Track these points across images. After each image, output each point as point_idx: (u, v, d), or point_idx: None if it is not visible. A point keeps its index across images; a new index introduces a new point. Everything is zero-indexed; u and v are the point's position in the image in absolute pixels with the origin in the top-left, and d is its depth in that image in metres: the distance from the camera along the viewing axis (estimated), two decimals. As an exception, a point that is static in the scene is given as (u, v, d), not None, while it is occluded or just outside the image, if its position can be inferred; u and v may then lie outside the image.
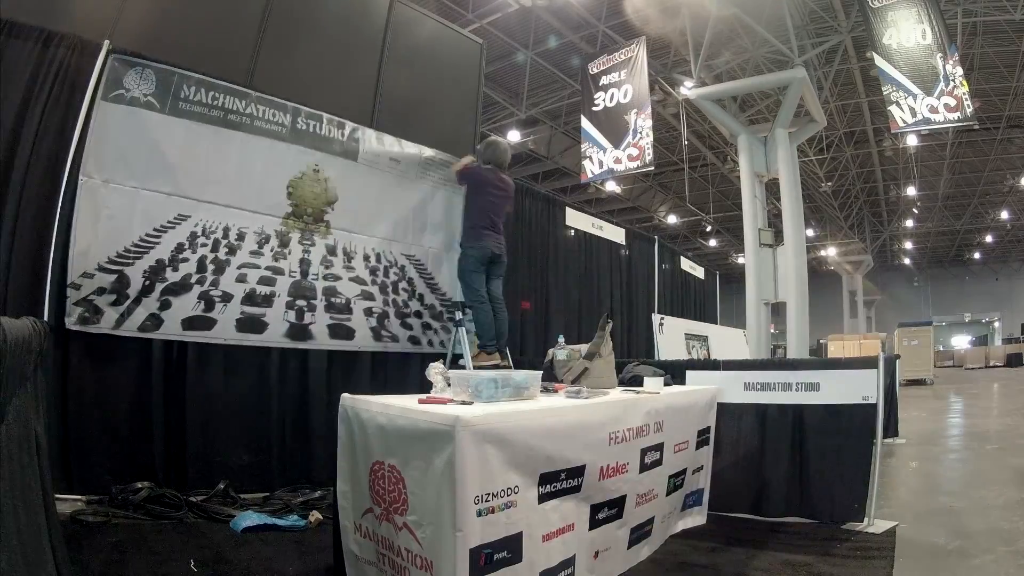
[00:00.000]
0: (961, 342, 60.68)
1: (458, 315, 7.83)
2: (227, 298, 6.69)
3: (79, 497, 5.64)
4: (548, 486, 3.86)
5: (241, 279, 6.79)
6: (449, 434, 3.32)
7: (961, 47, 18.88)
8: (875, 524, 6.00)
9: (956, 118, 14.95)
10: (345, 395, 4.28)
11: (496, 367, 7.36)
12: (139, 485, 5.82)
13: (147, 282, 6.16)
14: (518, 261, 10.68)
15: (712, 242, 49.38)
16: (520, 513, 3.61)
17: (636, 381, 6.03)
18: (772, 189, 21.88)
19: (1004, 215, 44.24)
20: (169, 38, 6.70)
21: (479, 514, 3.36)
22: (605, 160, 18.49)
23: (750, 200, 20.30)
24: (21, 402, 2.54)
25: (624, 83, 18.31)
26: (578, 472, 4.10)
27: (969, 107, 14.91)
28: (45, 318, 5.44)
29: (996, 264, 58.67)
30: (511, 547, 3.55)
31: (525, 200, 11.06)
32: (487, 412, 3.58)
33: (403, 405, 3.84)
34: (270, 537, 5.39)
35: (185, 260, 6.44)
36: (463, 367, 7.22)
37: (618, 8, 19.70)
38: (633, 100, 18.09)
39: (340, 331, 7.54)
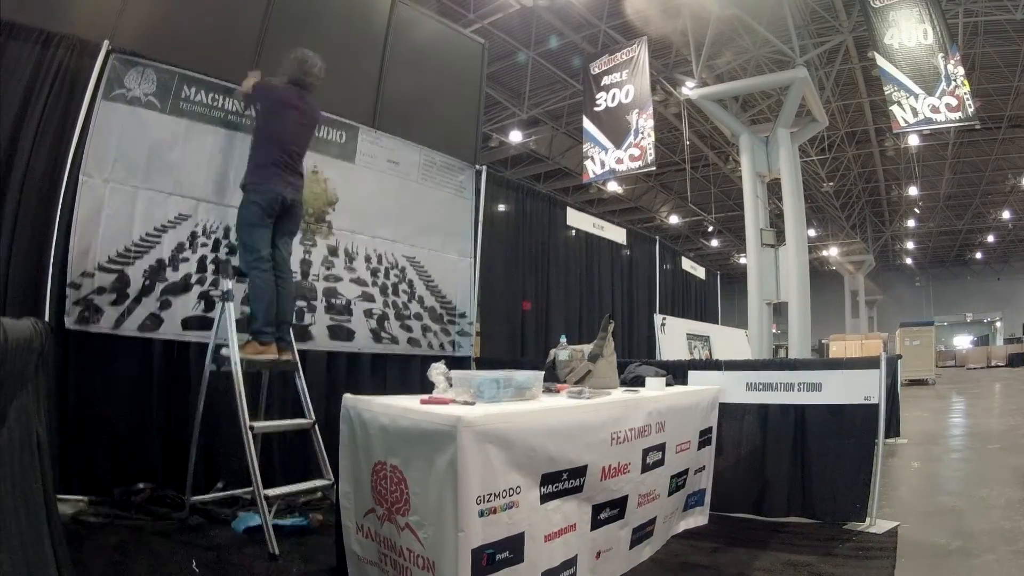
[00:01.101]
0: (963, 342, 60.73)
1: (226, 284, 5.94)
2: (227, 298, 6.69)
3: (81, 498, 5.64)
4: (550, 486, 3.86)
5: (241, 280, 6.78)
6: (451, 434, 3.32)
7: (962, 47, 18.89)
8: (877, 524, 6.00)
9: (957, 118, 14.96)
10: (347, 395, 4.28)
11: (275, 363, 6.11)
12: (140, 486, 5.82)
13: (147, 282, 6.15)
14: (519, 261, 10.69)
15: (714, 242, 49.41)
16: (522, 513, 3.61)
17: (638, 381, 6.02)
18: (774, 189, 21.89)
19: (1006, 215, 44.30)
20: (170, 39, 6.68)
21: (481, 514, 3.36)
22: (607, 160, 18.51)
23: (752, 200, 20.32)
24: (22, 403, 2.53)
25: (626, 83, 18.33)
26: (580, 472, 4.09)
27: (970, 107, 14.92)
28: (46, 318, 5.43)
29: (998, 264, 58.68)
30: (513, 547, 3.55)
31: (526, 200, 11.07)
32: (489, 412, 3.58)
33: (405, 405, 3.84)
34: (272, 538, 5.39)
35: (185, 260, 6.43)
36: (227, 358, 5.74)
37: (619, 8, 19.69)
38: (635, 100, 18.10)
39: (340, 332, 7.54)
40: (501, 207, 10.40)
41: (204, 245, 6.57)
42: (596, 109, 18.96)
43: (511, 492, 3.54)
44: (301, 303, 7.22)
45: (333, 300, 7.51)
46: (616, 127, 18.35)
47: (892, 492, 7.34)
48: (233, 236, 6.74)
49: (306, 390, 6.02)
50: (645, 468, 4.90)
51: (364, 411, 4.05)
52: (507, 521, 3.53)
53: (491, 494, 3.44)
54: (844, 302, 52.17)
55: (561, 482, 3.95)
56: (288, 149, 6.28)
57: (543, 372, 4.70)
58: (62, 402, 5.62)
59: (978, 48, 23.30)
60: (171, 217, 6.34)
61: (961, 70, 14.99)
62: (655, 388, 5.70)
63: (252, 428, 5.50)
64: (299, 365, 6.29)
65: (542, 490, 3.80)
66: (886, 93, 15.90)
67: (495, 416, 3.57)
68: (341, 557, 4.27)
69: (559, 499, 3.95)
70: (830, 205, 39.67)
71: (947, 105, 14.91)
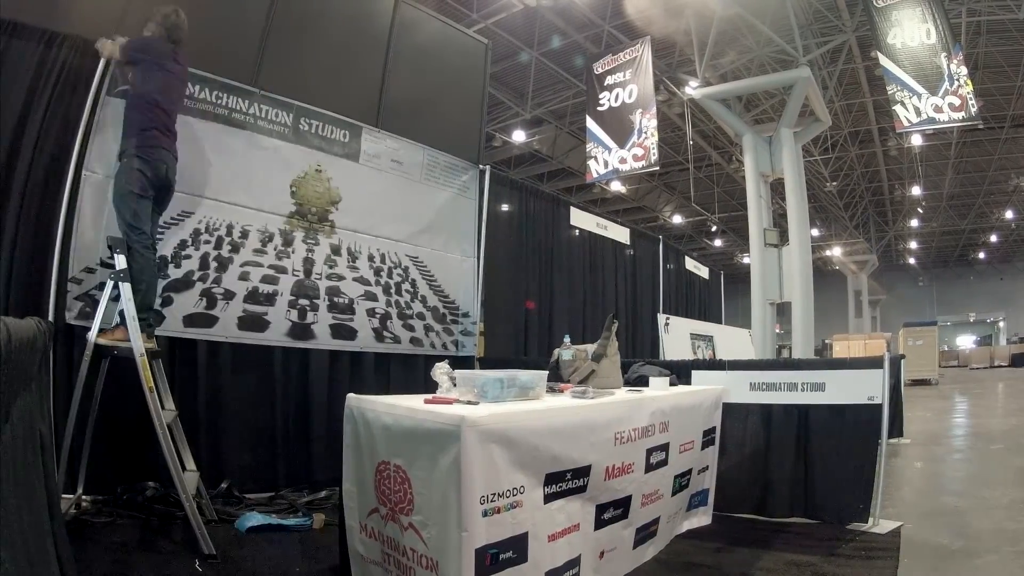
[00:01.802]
0: (966, 342, 60.72)
1: (119, 261, 5.30)
2: (229, 296, 6.70)
3: (84, 496, 5.64)
4: (554, 486, 3.86)
5: (244, 277, 6.80)
6: (455, 434, 3.31)
7: (965, 46, 18.86)
8: (880, 524, 6.00)
9: (960, 117, 14.93)
10: (351, 395, 4.27)
11: (155, 355, 5.65)
12: (144, 485, 5.82)
13: (150, 278, 6.17)
14: (523, 261, 10.70)
15: (717, 242, 49.38)
16: (526, 513, 3.60)
17: (642, 381, 6.01)
18: (777, 189, 21.90)
19: (1009, 215, 44.34)
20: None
21: (485, 514, 3.35)
22: (610, 160, 18.48)
23: (755, 200, 20.30)
24: (25, 402, 2.54)
25: (629, 83, 18.31)
26: (584, 472, 4.09)
27: (973, 106, 14.90)
28: (50, 314, 5.45)
29: (1001, 264, 58.65)
30: (516, 547, 3.54)
31: (530, 200, 11.08)
32: (492, 412, 3.56)
33: (409, 405, 3.83)
34: (275, 537, 5.39)
35: (188, 257, 6.46)
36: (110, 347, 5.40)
37: (622, 8, 19.67)
38: (638, 100, 18.07)
39: (342, 331, 7.56)
40: (504, 207, 10.41)
41: (207, 243, 6.61)
42: (599, 109, 18.93)
43: (515, 492, 3.54)
44: (304, 302, 7.24)
45: (336, 299, 7.53)
46: (620, 127, 18.33)
47: (895, 492, 7.33)
48: (236, 233, 6.77)
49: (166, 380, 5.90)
50: (649, 468, 4.90)
51: (368, 411, 4.04)
52: (511, 521, 3.52)
53: (495, 494, 3.43)
54: (847, 302, 52.05)
55: (565, 482, 3.94)
56: (170, 111, 5.78)
57: (547, 372, 4.69)
58: (66, 400, 5.62)
59: (981, 48, 23.25)
60: (174, 214, 6.35)
61: (964, 70, 14.97)
62: (659, 388, 5.70)
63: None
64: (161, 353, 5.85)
65: (546, 490, 3.80)
66: (889, 93, 15.87)
67: (499, 416, 3.55)
68: (344, 557, 4.27)
69: (563, 499, 3.94)
70: (833, 205, 39.65)
71: (950, 105, 14.88)
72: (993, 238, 51.73)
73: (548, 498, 3.81)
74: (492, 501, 3.40)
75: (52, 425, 3.82)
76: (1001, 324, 60.02)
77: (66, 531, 3.39)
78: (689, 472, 5.72)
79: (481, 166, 9.33)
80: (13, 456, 2.30)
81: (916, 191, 38.12)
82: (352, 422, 4.16)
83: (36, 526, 2.55)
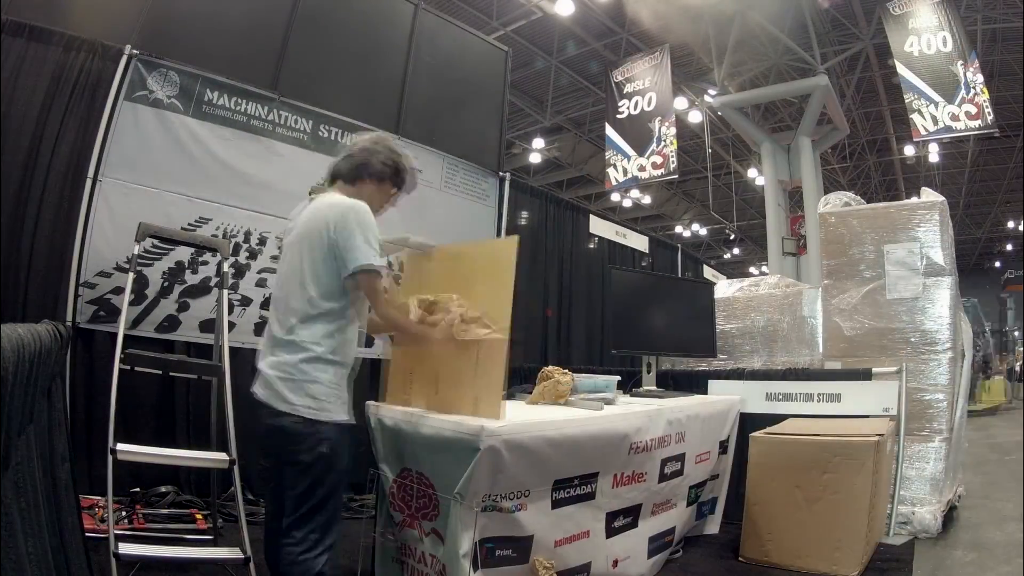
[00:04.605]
0: (982, 352, 60.27)
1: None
2: (246, 302, 6.73)
3: (95, 498, 5.65)
4: (563, 491, 3.91)
5: (261, 283, 6.81)
6: (472, 443, 3.35)
7: (981, 54, 18.78)
8: (894, 535, 5.97)
9: (977, 126, 14.92)
10: (370, 402, 4.31)
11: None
12: (163, 489, 5.86)
13: (166, 283, 6.22)
14: (542, 268, 10.69)
15: (735, 250, 49.19)
16: (533, 517, 3.66)
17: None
18: (795, 197, 21.82)
19: (1024, 225, 44.00)
20: (193, 44, 6.72)
21: (485, 510, 3.42)
22: (629, 168, 18.52)
23: (773, 208, 20.26)
24: (40, 410, 2.55)
25: (648, 91, 18.35)
26: (592, 479, 4.14)
27: (990, 115, 14.88)
28: (70, 318, 5.50)
29: (1017, 273, 58.23)
30: (520, 548, 3.62)
31: (549, 207, 11.06)
32: (512, 422, 3.59)
33: (427, 414, 3.84)
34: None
35: (205, 263, 6.47)
36: None
37: (642, 16, 19.63)
38: (657, 108, 18.12)
39: (359, 338, 7.56)
40: (524, 214, 10.41)
41: (225, 248, 6.62)
42: (619, 117, 18.97)
43: (523, 495, 3.61)
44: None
45: (354, 307, 7.54)
46: (639, 135, 18.37)
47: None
48: (254, 240, 6.80)
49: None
50: (663, 478, 4.90)
51: (386, 417, 4.08)
52: (518, 524, 3.59)
53: (501, 496, 3.50)
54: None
55: (573, 488, 3.98)
56: None
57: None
58: (80, 403, 5.65)
59: (997, 55, 23.11)
60: (191, 220, 6.39)
61: (980, 77, 14.97)
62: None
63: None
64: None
65: (555, 496, 3.84)
66: (906, 101, 15.87)
67: (517, 426, 3.58)
68: (355, 560, 4.28)
69: (572, 506, 3.98)
70: (851, 213, 39.42)
71: (967, 113, 14.88)
72: (1008, 247, 51.40)
73: (557, 504, 3.87)
74: (498, 502, 3.48)
75: (63, 430, 3.83)
76: (1016, 334, 59.65)
77: (81, 540, 3.40)
78: (703, 482, 5.73)
79: (501, 173, 9.33)
80: (27, 465, 2.31)
81: (933, 199, 37.94)
82: (371, 428, 4.18)
83: (40, 535, 2.55)
